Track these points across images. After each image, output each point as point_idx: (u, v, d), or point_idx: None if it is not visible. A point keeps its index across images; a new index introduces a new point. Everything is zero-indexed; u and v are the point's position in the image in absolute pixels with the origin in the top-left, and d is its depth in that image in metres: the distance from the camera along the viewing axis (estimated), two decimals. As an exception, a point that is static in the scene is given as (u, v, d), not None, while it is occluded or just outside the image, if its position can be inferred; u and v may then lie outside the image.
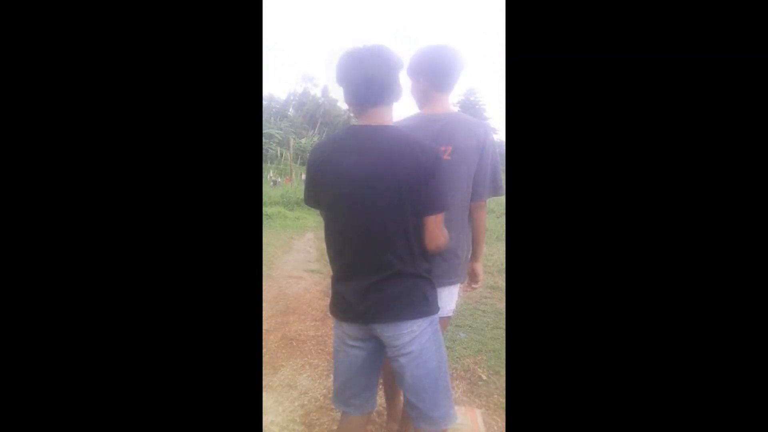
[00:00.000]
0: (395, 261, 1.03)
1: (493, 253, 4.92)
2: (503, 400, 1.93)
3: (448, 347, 2.52)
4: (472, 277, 1.52)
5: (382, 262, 1.03)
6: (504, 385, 2.04)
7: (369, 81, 1.00)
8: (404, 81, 1.19)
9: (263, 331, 2.74)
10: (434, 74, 1.33)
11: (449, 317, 1.44)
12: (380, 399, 1.92)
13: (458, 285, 1.43)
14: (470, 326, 2.84)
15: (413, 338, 1.07)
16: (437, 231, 1.05)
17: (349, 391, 1.19)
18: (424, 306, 1.09)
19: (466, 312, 3.08)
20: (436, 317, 1.13)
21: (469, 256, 1.48)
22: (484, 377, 2.13)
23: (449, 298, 1.41)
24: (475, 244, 1.46)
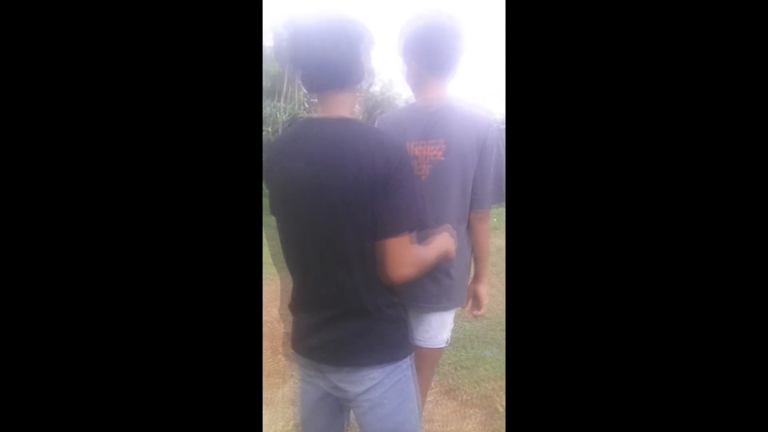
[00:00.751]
0: (349, 295, 0.81)
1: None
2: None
3: (468, 367, 2.25)
4: (475, 301, 1.26)
5: (332, 294, 0.82)
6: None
7: (322, 59, 0.79)
8: (380, 61, 0.99)
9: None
10: (427, 54, 1.09)
11: (442, 348, 1.21)
12: None
13: (452, 311, 1.19)
14: (501, 343, 2.54)
15: (373, 386, 0.85)
16: (399, 257, 0.78)
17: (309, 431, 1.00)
18: (387, 349, 0.85)
19: (497, 326, 2.77)
20: (406, 360, 0.90)
21: (470, 277, 1.23)
22: (501, 409, 1.85)
23: (440, 326, 1.18)
24: (477, 261, 1.21)
